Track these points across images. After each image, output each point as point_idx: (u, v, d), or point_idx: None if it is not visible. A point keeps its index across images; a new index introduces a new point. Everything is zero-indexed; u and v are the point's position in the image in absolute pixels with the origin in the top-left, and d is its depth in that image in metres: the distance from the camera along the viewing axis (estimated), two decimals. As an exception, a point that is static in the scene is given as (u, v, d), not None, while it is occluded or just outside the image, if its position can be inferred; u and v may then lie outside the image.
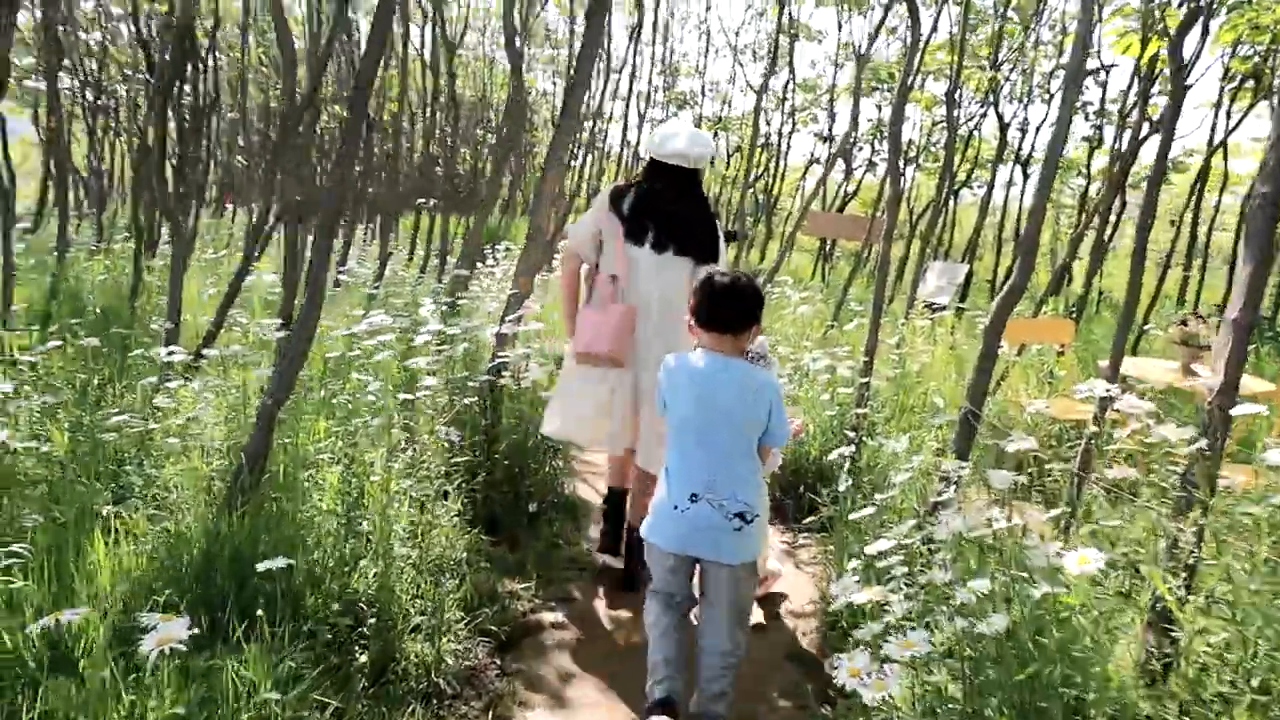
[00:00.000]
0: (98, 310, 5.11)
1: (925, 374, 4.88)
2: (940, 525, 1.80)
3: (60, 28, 6.99)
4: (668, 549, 2.10)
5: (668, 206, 2.94)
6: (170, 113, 7.37)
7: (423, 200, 7.69)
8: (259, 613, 1.78)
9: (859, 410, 3.75)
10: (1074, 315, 5.24)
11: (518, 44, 4.54)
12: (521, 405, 3.63)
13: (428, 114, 7.81)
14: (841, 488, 2.93)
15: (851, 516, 2.49)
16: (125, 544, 2.23)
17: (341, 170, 2.57)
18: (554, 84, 19.28)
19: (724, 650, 2.10)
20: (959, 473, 2.38)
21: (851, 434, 3.77)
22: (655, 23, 13.28)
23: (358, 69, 2.61)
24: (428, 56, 8.08)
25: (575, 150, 18.29)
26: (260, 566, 1.77)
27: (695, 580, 2.20)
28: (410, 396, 2.98)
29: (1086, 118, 9.55)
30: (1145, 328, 6.03)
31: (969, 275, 7.20)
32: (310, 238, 3.39)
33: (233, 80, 8.78)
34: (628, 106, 10.47)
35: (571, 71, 3.20)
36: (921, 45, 8.81)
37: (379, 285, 6.17)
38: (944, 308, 7.04)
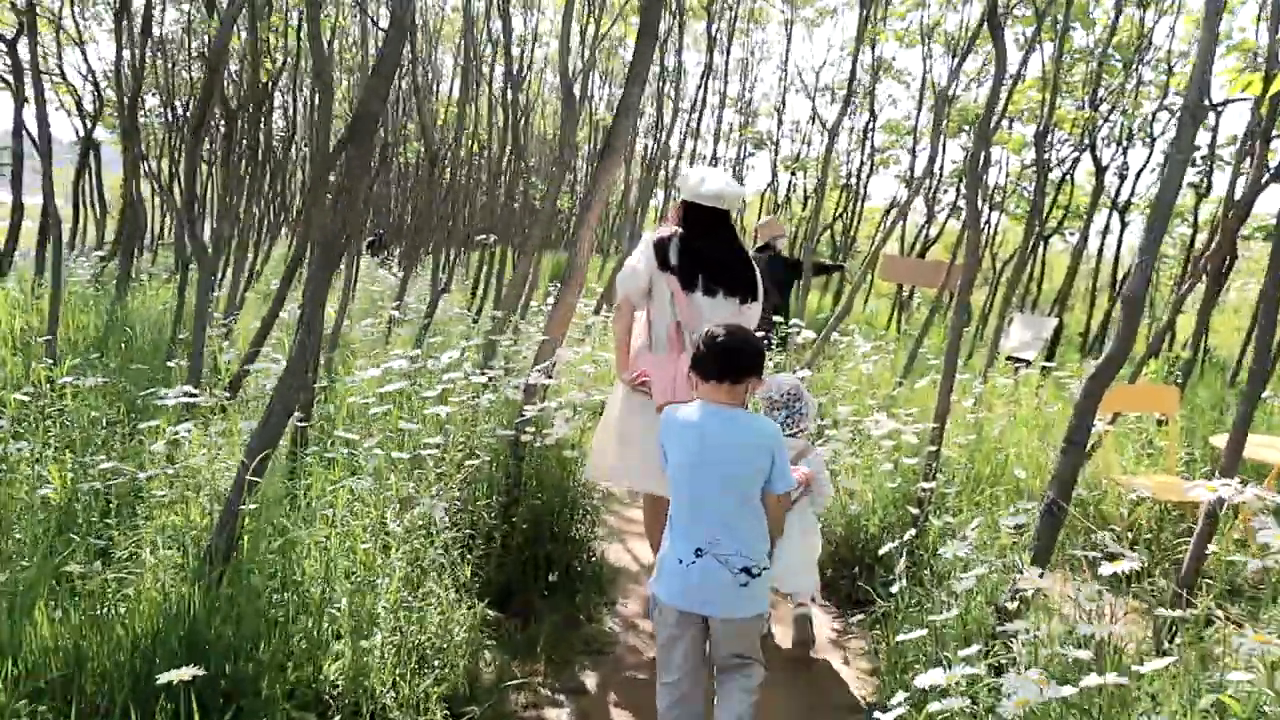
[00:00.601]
0: (144, 342, 5.07)
1: (1005, 438, 4.39)
2: (1008, 690, 1.39)
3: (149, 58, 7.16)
4: (672, 604, 2.07)
5: (714, 252, 3.05)
6: (241, 147, 7.50)
7: (482, 235, 7.56)
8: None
9: (925, 485, 3.32)
10: (1178, 380, 4.67)
11: (570, 74, 4.32)
12: (548, 462, 3.33)
13: (495, 150, 7.72)
14: (895, 588, 2.52)
15: (900, 638, 2.08)
16: (74, 614, 2.00)
17: (348, 200, 2.34)
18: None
19: (737, 704, 2.08)
20: (1033, 587, 1.95)
21: (915, 511, 3.34)
22: (728, 61, 13.06)
23: (359, 99, 2.39)
24: (497, 91, 8.02)
25: (653, 190, 18.18)
26: (162, 678, 1.48)
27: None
28: (404, 455, 2.70)
29: (1194, 163, 8.86)
30: (1264, 395, 5.37)
31: (1059, 329, 6.63)
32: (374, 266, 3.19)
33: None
34: (695, 143, 10.22)
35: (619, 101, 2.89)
36: (1008, 81, 8.32)
37: (429, 322, 6.00)
38: (1028, 363, 6.49)
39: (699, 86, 10.45)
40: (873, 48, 11.33)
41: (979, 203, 3.60)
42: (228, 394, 3.74)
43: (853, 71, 5.66)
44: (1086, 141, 6.85)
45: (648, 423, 2.85)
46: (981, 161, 3.57)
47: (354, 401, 3.37)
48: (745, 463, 2.05)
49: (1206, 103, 7.50)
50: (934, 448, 3.51)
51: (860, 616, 3.12)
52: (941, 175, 11.87)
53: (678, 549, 2.07)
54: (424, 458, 2.81)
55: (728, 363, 2.08)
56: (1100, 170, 6.57)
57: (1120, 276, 9.27)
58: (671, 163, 15.22)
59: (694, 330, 2.92)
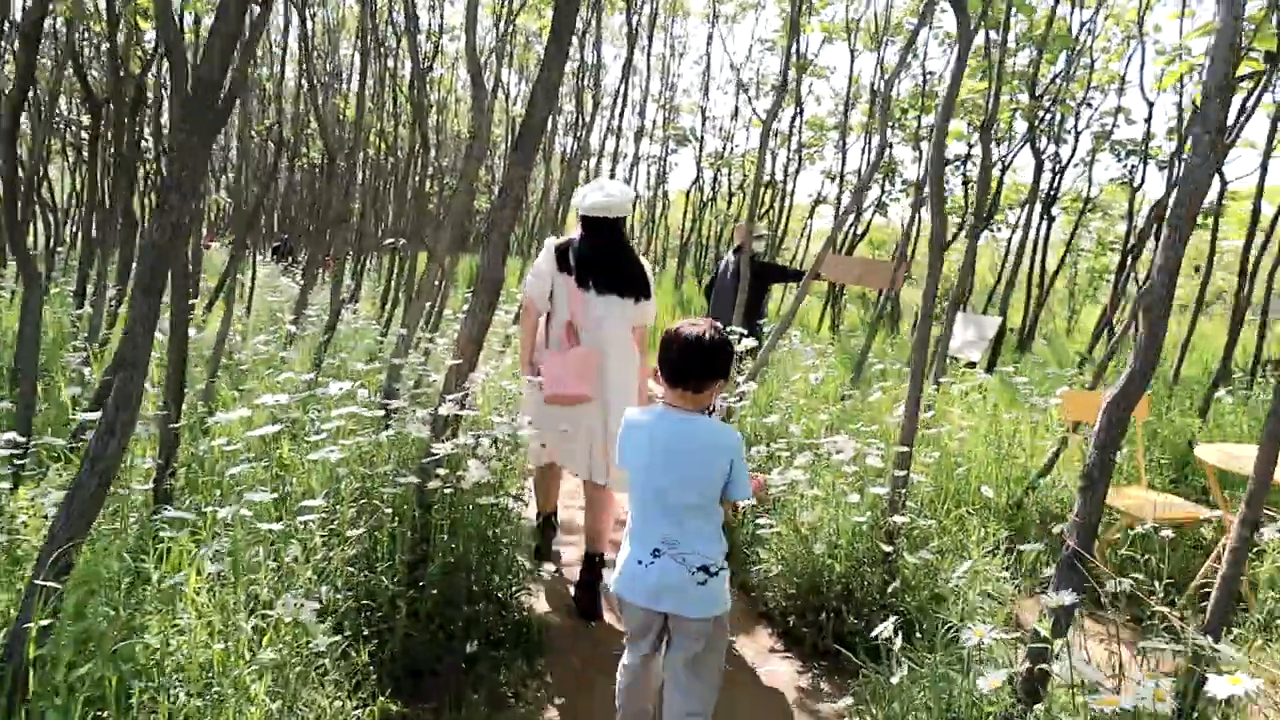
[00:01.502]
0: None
1: (966, 452, 4.05)
2: None
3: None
4: (635, 602, 2.09)
5: (604, 255, 3.29)
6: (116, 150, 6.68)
7: (391, 240, 6.94)
8: None
9: (897, 519, 2.92)
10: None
11: (477, 53, 3.79)
12: (462, 508, 2.81)
13: (403, 151, 7.10)
14: (883, 644, 2.09)
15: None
16: None
17: (171, 217, 1.78)
18: (552, 120, 18.76)
19: (690, 711, 2.08)
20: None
21: (887, 547, 2.94)
22: (648, 57, 12.65)
23: (195, 63, 1.84)
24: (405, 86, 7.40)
25: (573, 189, 17.70)
26: None
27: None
28: (275, 525, 2.14)
29: (1119, 157, 8.84)
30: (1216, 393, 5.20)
31: (1002, 328, 6.41)
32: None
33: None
34: (617, 141, 9.78)
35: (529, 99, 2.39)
36: (949, 67, 8.09)
37: (329, 338, 5.38)
38: (973, 364, 6.23)
39: (619, 82, 10.01)
40: (796, 41, 11.10)
41: (940, 194, 3.22)
42: (71, 441, 3.12)
43: (785, 64, 5.27)
44: (1029, 134, 6.64)
45: (542, 411, 3.25)
46: (940, 150, 3.20)
47: (224, 446, 2.78)
48: (704, 465, 2.04)
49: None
50: (902, 471, 3.12)
51: (827, 667, 2.68)
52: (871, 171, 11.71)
53: (636, 550, 2.08)
54: (303, 524, 2.25)
55: (687, 369, 2.06)
56: (1040, 162, 6.39)
57: (1044, 272, 9.18)
58: (592, 161, 14.75)
59: (588, 329, 3.24)
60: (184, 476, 2.95)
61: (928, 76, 11.24)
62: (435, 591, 2.63)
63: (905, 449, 3.10)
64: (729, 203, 15.80)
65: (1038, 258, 8.80)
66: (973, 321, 6.55)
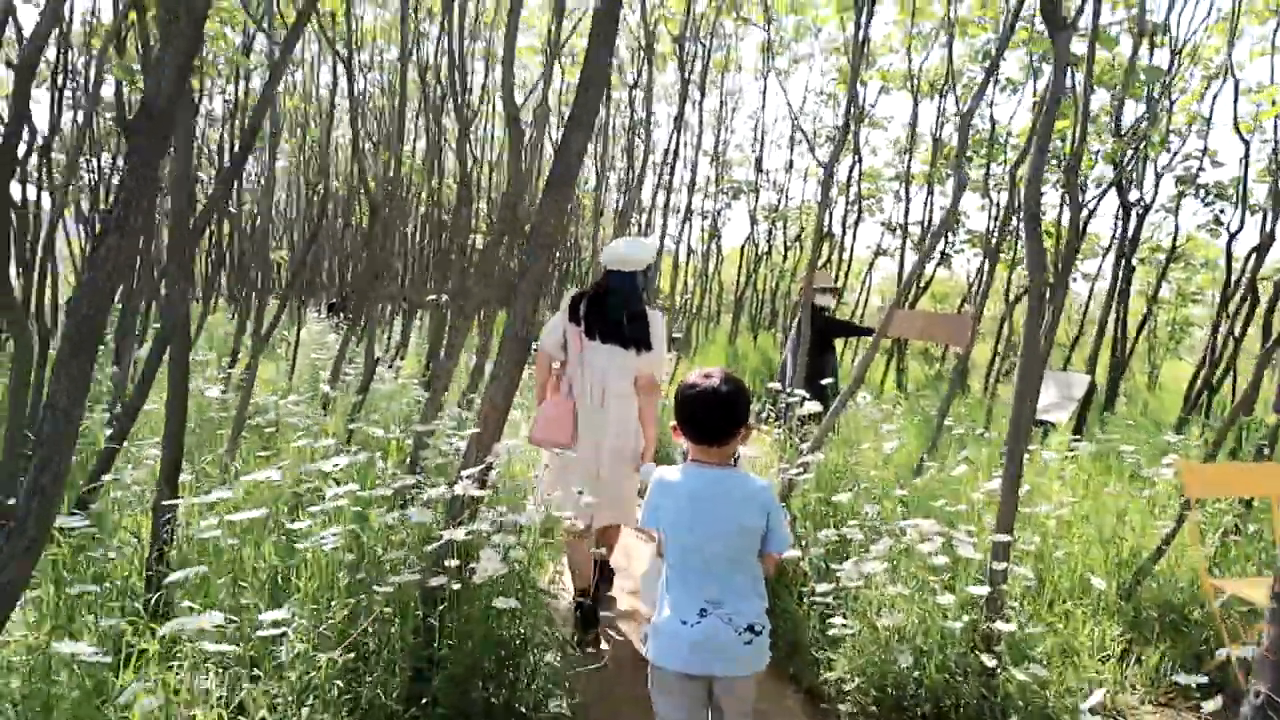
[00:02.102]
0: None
1: (1067, 534, 3.51)
2: None
3: None
4: (679, 670, 2.00)
5: (612, 308, 3.36)
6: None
7: (433, 297, 6.69)
8: None
9: (1000, 626, 2.43)
10: (1266, 452, 3.84)
11: (512, 91, 3.51)
12: (477, 605, 2.40)
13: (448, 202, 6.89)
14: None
15: None
16: None
17: (109, 262, 1.45)
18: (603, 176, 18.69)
19: None
20: None
21: (989, 660, 2.43)
22: (700, 110, 12.45)
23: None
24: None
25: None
26: None
27: None
28: (223, 649, 1.76)
29: (1205, 201, 8.22)
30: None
31: (1091, 387, 5.82)
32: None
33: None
34: (669, 195, 9.50)
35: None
36: (1030, 106, 7.67)
37: (363, 399, 5.08)
38: (1054, 426, 5.65)
39: (670, 136, 9.78)
40: (854, 87, 10.79)
41: (1037, 237, 2.78)
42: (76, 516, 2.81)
43: (848, 106, 4.91)
44: (1112, 175, 6.13)
45: (554, 461, 3.37)
46: (1036, 186, 2.76)
47: (208, 535, 2.43)
48: (744, 523, 2.01)
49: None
50: (1001, 564, 2.63)
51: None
52: (929, 222, 11.19)
53: (680, 610, 2.01)
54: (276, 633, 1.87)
55: (709, 425, 2.04)
56: (1127, 207, 5.83)
57: (1124, 325, 8.52)
58: (643, 216, 14.53)
59: (591, 378, 3.34)
60: (180, 558, 2.62)
61: (994, 123, 10.79)
62: (442, 709, 2.21)
63: (1005, 537, 2.61)
64: (784, 256, 15.41)
65: (1116, 310, 8.16)
66: (1055, 379, 5.98)
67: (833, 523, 3.38)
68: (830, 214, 13.11)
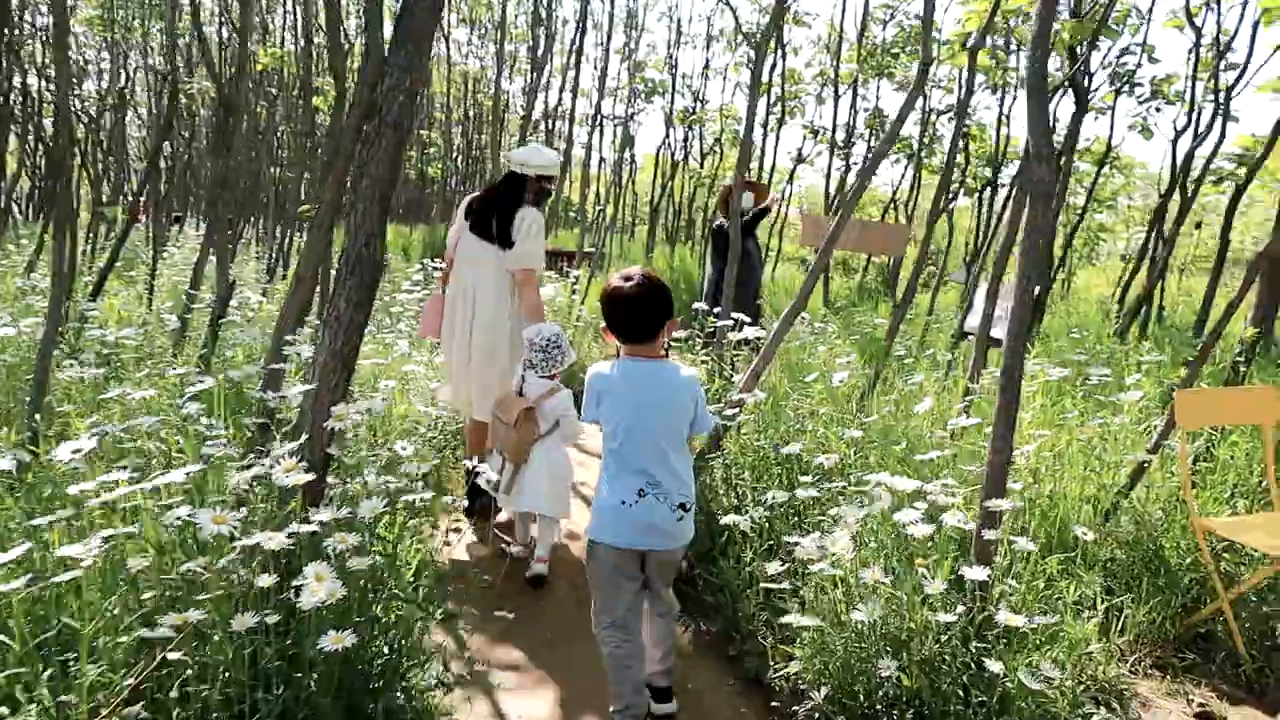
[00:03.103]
0: None
1: (1046, 477, 3.06)
2: None
3: None
4: (618, 545, 2.15)
5: (491, 205, 3.53)
6: None
7: (305, 206, 5.79)
8: None
9: (1003, 616, 1.91)
10: (1242, 364, 3.45)
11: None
12: (306, 648, 1.74)
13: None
14: None
15: None
16: None
17: None
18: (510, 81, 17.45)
19: (667, 611, 2.31)
20: None
21: (992, 662, 1.92)
22: (611, 5, 11.43)
23: None
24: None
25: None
26: None
27: None
28: None
29: (1142, 100, 7.83)
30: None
31: (1039, 300, 5.40)
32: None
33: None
34: (574, 100, 8.60)
35: None
36: None
37: (218, 329, 4.24)
38: (999, 341, 5.24)
39: (575, 32, 8.80)
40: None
41: (1043, 116, 2.19)
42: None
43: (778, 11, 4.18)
44: (1065, 65, 5.58)
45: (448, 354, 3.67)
46: (1043, 55, 2.16)
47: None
48: (676, 409, 2.19)
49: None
50: (992, 533, 2.12)
51: None
52: (854, 126, 10.61)
53: (619, 492, 2.15)
54: None
55: (636, 325, 2.20)
56: (1083, 103, 5.29)
57: (1052, 232, 8.19)
58: (551, 122, 13.52)
59: (465, 268, 3.55)
60: None
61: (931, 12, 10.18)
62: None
63: (1003, 503, 2.09)
64: (701, 163, 14.65)
65: (1044, 215, 7.79)
66: (1007, 293, 5.57)
67: (778, 476, 2.83)
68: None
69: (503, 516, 3.67)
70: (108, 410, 3.07)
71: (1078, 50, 5.08)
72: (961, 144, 9.40)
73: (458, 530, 3.76)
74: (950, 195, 8.75)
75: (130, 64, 11.58)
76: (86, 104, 12.06)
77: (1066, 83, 5.17)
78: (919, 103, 10.31)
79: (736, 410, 3.10)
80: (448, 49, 13.33)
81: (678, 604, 2.36)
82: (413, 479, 2.23)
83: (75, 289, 6.18)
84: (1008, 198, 7.81)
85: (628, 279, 2.18)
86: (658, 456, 2.14)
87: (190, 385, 2.94)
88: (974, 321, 5.57)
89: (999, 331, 5.35)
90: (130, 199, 11.33)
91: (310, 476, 1.67)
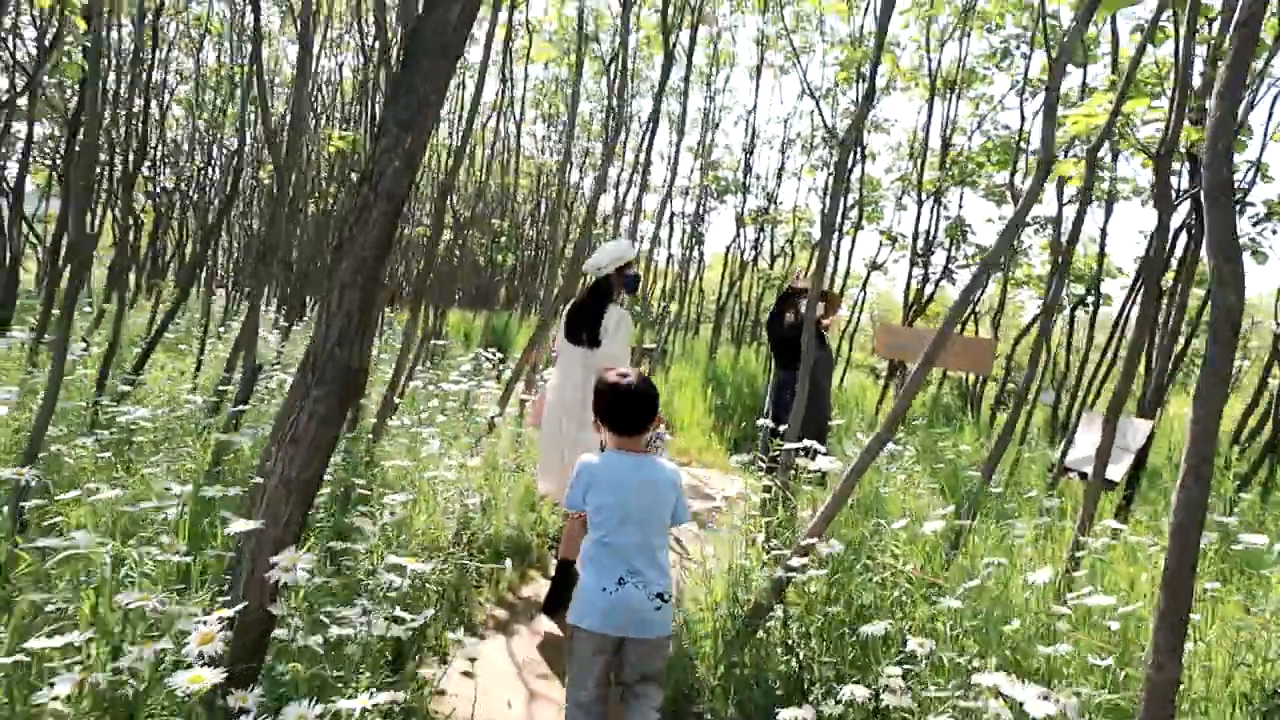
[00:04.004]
0: None
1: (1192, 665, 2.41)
2: None
3: None
4: (598, 631, 2.21)
5: (576, 309, 3.99)
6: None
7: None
8: None
9: None
10: None
11: None
12: None
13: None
14: None
15: None
16: None
17: None
18: (582, 174, 17.63)
19: (654, 707, 2.26)
20: None
21: None
22: (684, 108, 11.36)
23: None
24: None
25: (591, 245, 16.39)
26: None
27: None
28: None
29: (1255, 220, 7.22)
30: None
31: (1150, 436, 4.73)
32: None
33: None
34: (640, 195, 8.36)
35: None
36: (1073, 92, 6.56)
37: (239, 414, 3.91)
38: (1112, 484, 4.59)
39: (646, 128, 8.63)
40: (864, 85, 9.73)
41: (1227, 214, 1.70)
42: None
43: (872, 74, 3.81)
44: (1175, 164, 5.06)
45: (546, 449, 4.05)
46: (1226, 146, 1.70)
47: None
48: (660, 502, 2.31)
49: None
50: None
51: None
52: (934, 234, 10.16)
53: (601, 579, 2.23)
54: None
55: (629, 419, 2.33)
56: (1202, 215, 4.75)
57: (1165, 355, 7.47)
58: (623, 218, 13.43)
59: (559, 372, 4.01)
60: None
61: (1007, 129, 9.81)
62: None
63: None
64: (772, 263, 14.33)
65: (1147, 338, 7.11)
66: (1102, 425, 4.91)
67: (852, 651, 2.27)
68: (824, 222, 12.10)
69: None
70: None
71: (1199, 159, 4.57)
72: (1057, 259, 8.84)
73: (473, 663, 3.23)
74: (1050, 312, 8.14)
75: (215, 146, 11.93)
76: (181, 183, 12.45)
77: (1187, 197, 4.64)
78: (1009, 212, 9.84)
79: (805, 560, 2.56)
80: (518, 140, 13.44)
81: (660, 704, 2.30)
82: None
83: (125, 360, 6.04)
84: (1094, 314, 7.15)
85: (624, 376, 2.36)
86: (641, 546, 2.25)
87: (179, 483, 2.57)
88: (1077, 456, 4.91)
89: (1087, 465, 4.69)
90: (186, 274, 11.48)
91: (216, 677, 1.20)
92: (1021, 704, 1.67)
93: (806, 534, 2.67)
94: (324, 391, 1.40)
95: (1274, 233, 7.16)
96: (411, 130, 1.39)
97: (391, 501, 3.21)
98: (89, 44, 6.29)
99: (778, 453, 3.46)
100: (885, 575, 2.66)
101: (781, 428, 3.70)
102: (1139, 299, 6.72)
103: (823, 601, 2.57)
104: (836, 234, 10.64)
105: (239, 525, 1.46)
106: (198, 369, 6.28)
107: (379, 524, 3.07)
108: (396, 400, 5.40)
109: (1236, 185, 6.80)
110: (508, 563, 3.91)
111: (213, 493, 2.18)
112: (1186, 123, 4.70)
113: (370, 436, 4.21)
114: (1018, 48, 9.53)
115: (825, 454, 3.20)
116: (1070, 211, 9.28)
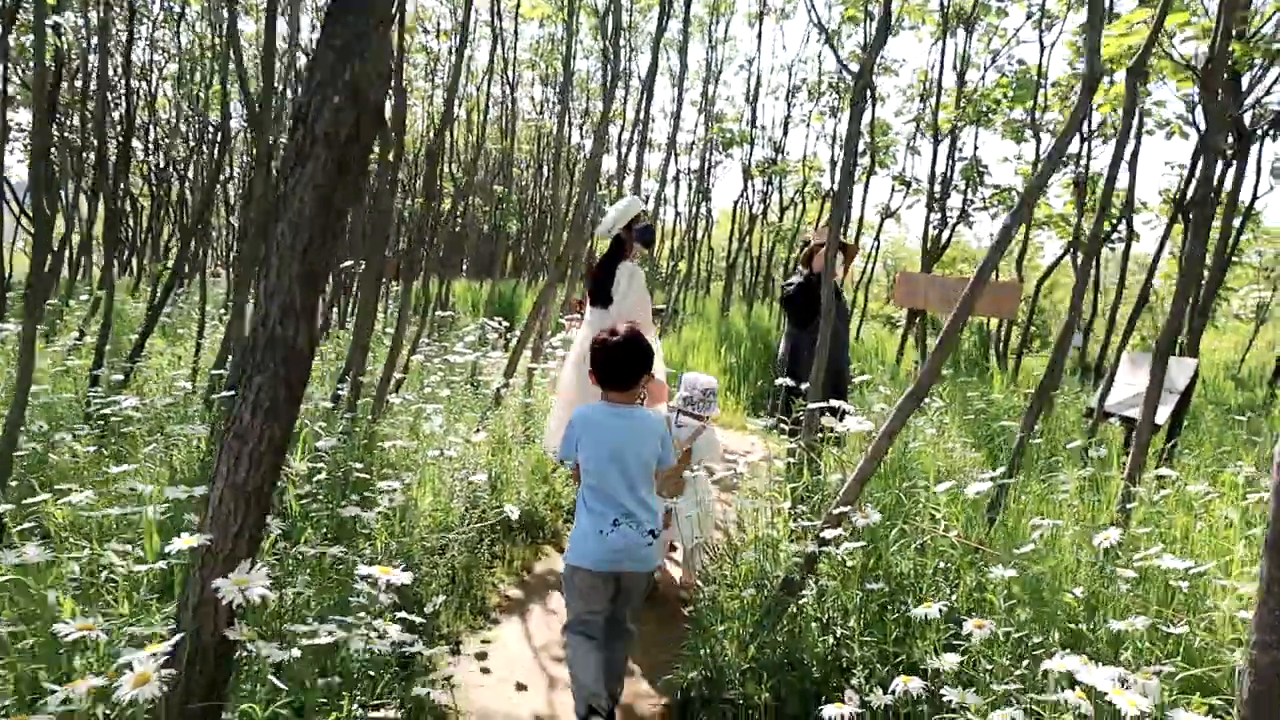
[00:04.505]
0: None
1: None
2: None
3: None
4: (597, 569, 2.40)
5: (594, 270, 4.20)
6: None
7: (348, 264, 5.31)
8: None
9: None
10: None
11: None
12: None
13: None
14: None
15: None
16: None
17: None
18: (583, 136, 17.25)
19: (625, 637, 2.51)
20: None
21: None
22: (685, 66, 10.96)
23: None
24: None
25: (604, 207, 16.05)
26: None
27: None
28: None
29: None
30: None
31: (1194, 377, 4.44)
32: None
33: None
34: (641, 153, 8.03)
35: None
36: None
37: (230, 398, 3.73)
38: (1156, 427, 4.33)
39: (643, 86, 8.28)
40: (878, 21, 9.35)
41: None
42: None
43: (885, 11, 3.51)
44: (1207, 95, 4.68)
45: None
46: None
47: None
48: (649, 450, 2.46)
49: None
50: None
51: None
52: (950, 177, 9.79)
53: (596, 521, 2.41)
54: None
55: (615, 373, 2.48)
56: (1245, 140, 4.38)
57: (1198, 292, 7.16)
58: (628, 178, 13.09)
59: (583, 338, 4.14)
60: None
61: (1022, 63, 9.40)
62: None
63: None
64: (781, 215, 13.98)
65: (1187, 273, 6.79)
66: (1144, 365, 4.68)
67: (895, 629, 2.05)
68: (832, 170, 11.71)
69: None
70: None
71: (1241, 81, 4.24)
72: (1075, 194, 8.49)
73: (485, 657, 3.06)
74: (1079, 251, 7.79)
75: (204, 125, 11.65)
76: (175, 164, 12.19)
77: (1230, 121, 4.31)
78: (1029, 150, 9.49)
79: (838, 531, 2.34)
80: (512, 101, 13.05)
81: (637, 630, 2.59)
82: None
83: (124, 348, 5.86)
84: (1126, 251, 6.82)
85: (614, 333, 2.48)
86: (630, 491, 2.41)
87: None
88: (1119, 399, 4.64)
89: (1130, 408, 4.43)
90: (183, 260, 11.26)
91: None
92: (1103, 693, 1.46)
93: (838, 501, 2.45)
94: (266, 379, 1.18)
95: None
96: (352, 58, 1.15)
97: (390, 488, 3.02)
98: (60, 22, 5.97)
99: (800, 414, 3.23)
100: (925, 540, 2.44)
101: (803, 385, 3.47)
102: (1186, 234, 6.39)
103: (859, 574, 2.35)
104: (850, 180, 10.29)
105: (180, 542, 1.25)
106: (197, 353, 6.10)
107: (377, 510, 2.88)
108: (398, 375, 5.20)
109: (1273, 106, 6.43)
110: (511, 510, 3.56)
111: (176, 494, 1.97)
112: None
113: (370, 418, 4.01)
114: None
115: (852, 413, 2.96)
116: (1098, 147, 8.90)
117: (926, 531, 2.42)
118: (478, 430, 4.35)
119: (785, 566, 2.52)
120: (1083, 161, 8.67)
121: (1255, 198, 6.82)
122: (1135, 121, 6.86)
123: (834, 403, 2.97)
